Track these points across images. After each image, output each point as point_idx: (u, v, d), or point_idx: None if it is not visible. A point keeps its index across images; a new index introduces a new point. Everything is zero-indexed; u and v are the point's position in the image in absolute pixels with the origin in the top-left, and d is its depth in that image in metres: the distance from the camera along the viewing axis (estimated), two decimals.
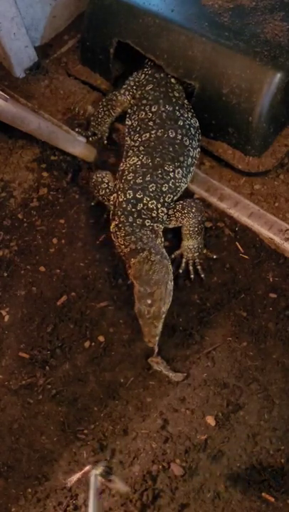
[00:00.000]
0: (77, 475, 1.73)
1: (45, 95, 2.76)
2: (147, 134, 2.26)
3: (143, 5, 2.40)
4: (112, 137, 2.62)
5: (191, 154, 2.26)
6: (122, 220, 2.09)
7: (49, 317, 2.17)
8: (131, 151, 2.28)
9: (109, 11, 2.50)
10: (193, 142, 2.28)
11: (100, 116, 2.56)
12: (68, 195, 2.50)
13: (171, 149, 2.21)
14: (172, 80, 2.39)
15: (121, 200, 2.14)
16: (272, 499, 1.76)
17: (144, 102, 2.35)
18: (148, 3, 2.41)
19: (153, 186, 2.14)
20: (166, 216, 2.17)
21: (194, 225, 2.16)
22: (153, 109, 2.30)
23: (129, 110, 2.44)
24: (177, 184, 2.20)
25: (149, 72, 2.44)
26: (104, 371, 2.05)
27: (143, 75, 2.46)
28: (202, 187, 2.40)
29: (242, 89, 2.21)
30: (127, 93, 2.48)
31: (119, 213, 2.11)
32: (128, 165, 2.23)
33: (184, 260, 2.21)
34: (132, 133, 2.35)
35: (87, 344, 2.11)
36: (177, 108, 2.29)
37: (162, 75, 2.40)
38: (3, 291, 2.26)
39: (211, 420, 1.91)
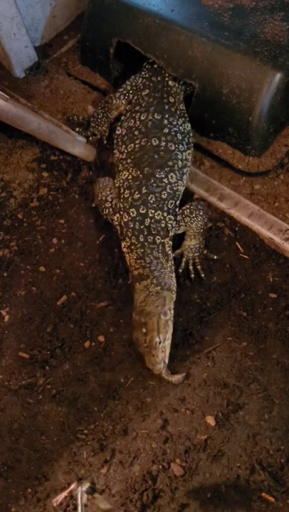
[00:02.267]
0: (63, 494, 1.74)
1: (45, 95, 2.76)
2: (132, 145, 2.25)
3: (143, 5, 2.40)
4: (112, 137, 2.62)
5: (179, 157, 2.23)
6: (133, 241, 2.08)
7: (49, 317, 2.17)
8: (120, 165, 2.27)
9: (109, 11, 2.50)
10: (181, 146, 2.25)
11: (98, 117, 2.56)
12: (68, 195, 2.50)
13: (156, 156, 2.18)
14: (170, 83, 2.38)
15: (126, 220, 2.12)
16: (272, 499, 1.76)
17: (137, 108, 2.34)
18: (148, 3, 2.41)
19: (152, 197, 2.11)
20: (175, 223, 2.15)
21: (201, 226, 2.17)
22: (142, 118, 2.29)
23: (122, 117, 2.42)
24: (175, 188, 2.18)
25: (147, 75, 2.43)
26: (104, 371, 2.05)
27: (140, 79, 2.44)
28: (202, 187, 2.40)
29: (242, 89, 2.21)
30: (122, 97, 2.48)
31: (130, 234, 2.09)
32: (121, 181, 2.22)
33: (184, 260, 2.22)
34: (119, 143, 2.34)
35: (87, 344, 2.11)
36: (167, 116, 2.27)
37: (159, 78, 2.39)
38: (3, 291, 2.26)
39: (211, 420, 1.91)
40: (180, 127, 2.29)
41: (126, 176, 2.20)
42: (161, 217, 2.11)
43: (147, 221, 2.09)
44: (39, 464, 1.89)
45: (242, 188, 2.39)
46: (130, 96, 2.46)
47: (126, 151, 2.26)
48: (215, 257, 2.23)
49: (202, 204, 2.20)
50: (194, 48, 2.27)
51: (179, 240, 2.25)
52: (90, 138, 2.60)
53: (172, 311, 1.99)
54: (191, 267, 2.19)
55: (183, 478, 1.82)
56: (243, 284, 2.18)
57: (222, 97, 2.27)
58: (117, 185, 2.25)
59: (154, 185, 2.14)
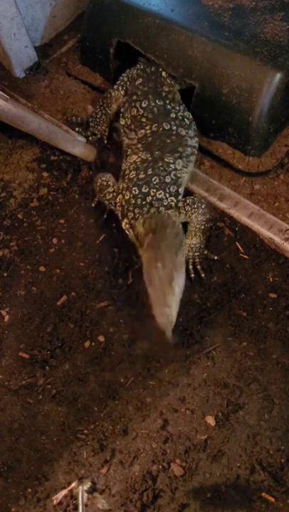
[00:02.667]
0: (64, 491, 1.73)
1: (45, 95, 2.76)
2: (142, 131, 2.29)
3: (143, 5, 2.41)
4: (112, 137, 2.62)
5: (189, 144, 2.27)
6: (136, 212, 2.10)
7: (49, 317, 2.17)
8: (130, 150, 2.30)
9: (109, 11, 2.50)
10: (190, 131, 2.29)
11: (97, 116, 2.57)
12: (68, 195, 2.50)
13: (168, 141, 2.23)
14: (163, 74, 2.41)
15: (128, 197, 2.14)
16: (272, 499, 1.76)
17: (134, 97, 2.37)
18: (148, 3, 2.41)
19: (156, 179, 2.14)
20: (175, 206, 2.15)
21: (202, 222, 2.16)
22: (143, 105, 2.32)
23: (122, 109, 2.45)
24: (178, 175, 2.20)
25: (142, 67, 2.47)
26: (104, 371, 2.05)
27: (135, 70, 2.48)
28: (202, 187, 2.40)
29: (242, 89, 2.21)
30: (120, 88, 2.50)
31: (131, 208, 2.12)
32: (128, 163, 2.24)
33: (184, 259, 2.21)
34: (127, 131, 2.37)
35: (87, 344, 2.11)
36: (168, 102, 2.32)
37: (153, 69, 2.42)
38: (3, 291, 2.26)
39: (211, 420, 1.91)
40: (184, 113, 2.33)
41: (134, 159, 2.23)
42: (163, 197, 2.12)
43: (148, 198, 2.11)
44: (39, 464, 1.89)
45: (242, 188, 2.39)
46: (127, 86, 2.48)
47: (136, 137, 2.30)
48: (215, 258, 2.23)
49: (205, 201, 2.20)
50: (194, 47, 2.28)
51: None
52: (90, 138, 2.60)
53: (184, 259, 2.02)
54: (191, 267, 2.19)
55: (183, 478, 1.82)
56: (243, 284, 2.18)
57: (222, 97, 2.27)
58: (123, 167, 2.27)
59: (161, 168, 2.16)
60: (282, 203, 2.33)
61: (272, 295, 2.15)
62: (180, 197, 2.20)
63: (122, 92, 2.50)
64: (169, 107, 2.31)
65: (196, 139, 2.34)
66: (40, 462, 1.90)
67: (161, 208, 2.09)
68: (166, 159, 2.19)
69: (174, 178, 2.18)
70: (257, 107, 2.21)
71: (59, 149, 2.55)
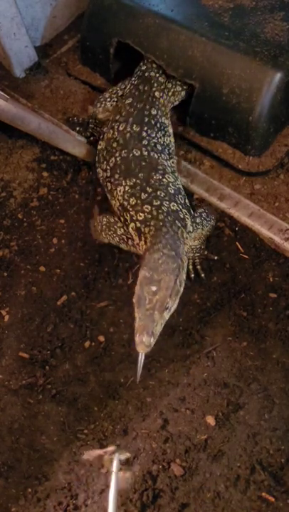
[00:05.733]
0: (98, 451, 1.62)
1: (45, 95, 2.77)
2: (113, 159, 2.17)
3: (143, 5, 2.41)
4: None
5: (164, 163, 2.16)
6: (152, 224, 1.94)
7: (49, 317, 2.17)
8: (109, 184, 2.17)
9: (109, 11, 2.50)
10: (163, 155, 2.19)
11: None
12: (68, 195, 2.50)
13: (144, 163, 2.11)
14: (156, 94, 2.33)
15: (142, 218, 1.98)
16: (272, 499, 1.76)
17: (118, 117, 2.29)
18: (148, 3, 2.41)
19: (161, 192, 2.03)
20: (191, 222, 2.06)
21: (210, 230, 2.19)
22: (120, 128, 2.23)
23: (105, 128, 2.36)
24: (177, 187, 2.13)
25: (136, 82, 2.39)
26: (104, 371, 2.05)
27: (129, 85, 2.41)
28: (202, 187, 2.40)
29: (242, 89, 2.21)
30: (98, 105, 2.48)
31: (149, 223, 1.96)
32: (120, 197, 2.10)
33: None
34: (100, 159, 2.27)
35: (87, 344, 2.11)
36: (145, 129, 2.21)
37: (146, 87, 2.34)
38: (3, 291, 2.26)
39: (211, 420, 1.91)
40: (159, 139, 2.22)
41: (122, 190, 2.09)
42: (178, 208, 2.02)
43: (163, 208, 1.99)
44: (39, 464, 1.89)
45: (242, 187, 2.39)
46: (113, 103, 2.44)
47: (108, 167, 2.19)
48: (215, 258, 2.23)
49: (211, 211, 2.22)
50: (194, 47, 2.27)
51: None
52: (91, 138, 2.60)
53: (182, 288, 1.83)
54: (191, 267, 2.19)
55: (183, 478, 1.82)
56: (243, 284, 2.18)
57: (222, 97, 2.27)
58: (116, 204, 2.12)
59: (157, 184, 2.06)
60: (283, 202, 2.33)
61: (273, 295, 2.15)
62: (190, 209, 2.11)
63: (101, 109, 2.47)
64: (144, 134, 2.19)
65: (173, 160, 2.26)
66: (40, 462, 1.90)
67: (177, 221, 1.97)
68: (154, 177, 2.08)
69: (175, 188, 2.10)
70: (257, 107, 2.21)
71: (59, 149, 2.55)
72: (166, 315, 1.73)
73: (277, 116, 2.31)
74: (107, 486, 1.81)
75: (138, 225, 2.00)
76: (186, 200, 2.14)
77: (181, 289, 1.82)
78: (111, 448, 1.56)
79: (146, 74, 2.40)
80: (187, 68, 2.32)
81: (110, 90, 2.50)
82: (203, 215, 2.15)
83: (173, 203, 2.02)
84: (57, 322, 2.16)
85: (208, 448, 1.86)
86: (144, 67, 2.42)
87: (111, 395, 1.99)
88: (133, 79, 2.43)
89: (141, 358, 1.70)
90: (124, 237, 2.12)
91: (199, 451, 1.86)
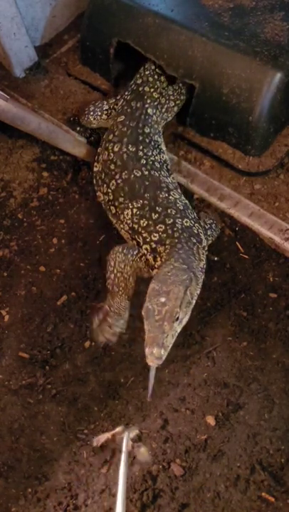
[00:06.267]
0: (107, 434, 1.59)
1: (45, 95, 2.76)
2: (113, 181, 2.12)
3: (143, 5, 2.40)
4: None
5: (166, 180, 2.14)
6: (167, 243, 1.91)
7: (49, 317, 2.17)
8: (113, 208, 2.12)
9: (109, 11, 2.50)
10: (162, 172, 2.16)
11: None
12: (68, 195, 2.50)
13: (147, 183, 2.08)
14: (149, 111, 2.30)
15: (156, 238, 1.94)
16: (272, 499, 1.76)
17: (111, 137, 2.24)
18: (148, 3, 2.41)
19: (171, 210, 1.99)
20: (203, 235, 2.04)
21: (216, 236, 2.20)
22: (115, 149, 2.17)
23: (99, 149, 2.30)
24: (184, 202, 2.09)
25: (128, 98, 2.36)
26: (104, 371, 2.05)
27: (122, 100, 2.37)
28: (202, 187, 2.40)
29: (242, 89, 2.21)
30: (89, 117, 2.48)
31: (164, 242, 1.92)
32: (128, 221, 2.05)
33: None
34: (99, 183, 2.22)
35: (87, 344, 2.11)
36: (141, 148, 2.17)
37: (139, 104, 2.30)
38: (3, 291, 2.26)
39: (211, 420, 1.91)
40: (156, 157, 2.19)
41: (130, 213, 2.04)
42: (191, 224, 1.99)
43: (177, 225, 1.96)
44: (39, 464, 1.90)
45: (242, 187, 2.39)
46: (102, 117, 2.45)
47: (110, 190, 2.13)
48: (215, 259, 2.23)
49: (216, 220, 2.23)
50: (194, 47, 2.27)
51: None
52: (91, 138, 2.60)
53: (194, 301, 1.78)
54: None
55: (183, 478, 1.82)
56: (243, 284, 2.18)
57: (222, 97, 2.27)
58: (125, 228, 2.07)
59: (165, 202, 2.02)
60: (283, 202, 2.33)
61: (273, 295, 2.15)
62: (200, 221, 2.09)
63: (93, 119, 2.48)
64: (140, 153, 2.15)
65: (173, 175, 2.24)
66: (40, 462, 1.90)
67: (192, 238, 1.93)
68: (161, 195, 2.04)
69: (183, 204, 2.06)
70: (257, 107, 2.21)
71: (59, 149, 2.55)
72: (178, 326, 1.67)
73: (277, 116, 2.31)
74: (107, 486, 1.82)
75: (153, 245, 1.95)
76: (195, 214, 2.11)
77: (193, 301, 1.77)
78: (119, 428, 1.52)
79: (140, 88, 2.35)
80: (187, 68, 2.32)
81: (99, 104, 2.47)
82: (213, 226, 2.15)
83: (186, 219, 1.99)
84: (57, 322, 2.16)
85: (208, 448, 1.86)
86: (139, 81, 2.38)
87: (111, 395, 1.99)
88: (126, 93, 2.39)
89: (152, 373, 1.61)
90: (142, 263, 2.00)
91: (199, 451, 1.86)
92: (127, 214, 2.06)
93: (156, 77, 2.39)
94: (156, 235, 1.96)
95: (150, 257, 1.96)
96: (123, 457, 1.48)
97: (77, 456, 1.89)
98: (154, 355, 1.58)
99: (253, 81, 2.18)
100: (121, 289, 2.00)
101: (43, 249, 2.35)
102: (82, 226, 2.40)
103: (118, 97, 2.45)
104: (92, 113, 2.48)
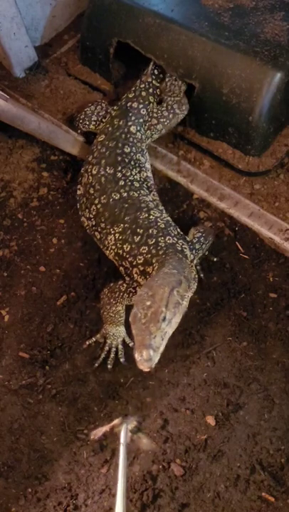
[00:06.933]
0: (105, 427, 1.55)
1: (45, 95, 2.76)
2: (94, 207, 2.10)
3: (143, 5, 2.40)
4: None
5: (146, 199, 2.11)
6: (154, 261, 1.88)
7: (49, 317, 2.17)
8: (97, 233, 2.11)
9: (109, 11, 2.50)
10: (142, 191, 2.13)
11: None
12: (68, 195, 2.50)
13: (126, 205, 2.05)
14: (132, 129, 2.27)
15: (141, 261, 1.93)
16: (272, 499, 1.76)
17: (90, 158, 2.22)
18: (148, 3, 2.41)
19: (152, 230, 1.97)
20: (190, 250, 2.01)
21: (206, 248, 2.14)
22: (94, 172, 2.15)
23: (82, 170, 2.26)
24: (165, 220, 2.05)
25: (113, 114, 2.35)
26: (105, 371, 2.05)
27: (108, 116, 2.36)
28: (202, 187, 2.40)
29: (242, 89, 2.21)
30: (80, 126, 2.49)
31: (150, 260, 1.90)
32: (112, 247, 2.04)
33: None
34: (82, 207, 2.19)
35: (86, 344, 2.10)
36: (120, 169, 2.14)
37: (122, 122, 2.28)
38: (3, 291, 2.26)
39: (211, 420, 1.91)
40: (135, 176, 2.16)
41: (113, 238, 2.03)
42: (174, 241, 1.95)
43: (161, 244, 1.93)
44: (39, 464, 1.90)
45: (242, 187, 2.39)
46: (89, 127, 2.45)
47: (91, 215, 2.12)
48: (215, 259, 2.23)
49: (208, 231, 2.15)
50: (194, 47, 2.27)
51: None
52: (91, 137, 2.59)
53: (186, 302, 1.75)
54: None
55: (183, 478, 1.82)
56: (243, 284, 2.18)
57: (222, 97, 2.27)
58: (111, 254, 2.06)
59: (146, 222, 1.99)
60: (282, 202, 2.33)
61: (273, 295, 2.15)
62: (186, 238, 2.05)
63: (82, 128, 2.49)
64: (119, 174, 2.12)
65: (154, 192, 2.20)
66: (40, 462, 1.90)
67: (178, 254, 1.89)
68: (141, 216, 2.01)
69: (164, 221, 2.02)
70: (257, 107, 2.21)
71: (59, 149, 2.55)
72: (166, 327, 1.63)
73: (277, 116, 2.31)
74: (107, 486, 1.82)
75: (141, 268, 1.94)
76: (178, 230, 2.06)
77: (183, 303, 1.74)
78: (117, 421, 1.49)
79: (128, 104, 2.34)
80: (187, 68, 2.32)
81: (88, 112, 2.46)
82: (202, 239, 2.08)
83: (168, 237, 1.95)
84: (57, 322, 2.16)
85: (208, 448, 1.86)
86: (131, 95, 2.38)
87: (111, 395, 1.99)
88: (115, 107, 2.39)
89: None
90: (131, 293, 1.97)
91: (199, 451, 1.86)
92: (111, 240, 2.04)
93: (150, 90, 2.38)
94: (141, 257, 1.94)
95: (141, 279, 1.94)
96: (122, 449, 1.45)
97: (77, 456, 1.89)
98: (144, 357, 1.54)
99: (253, 81, 2.18)
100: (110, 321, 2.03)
101: (43, 249, 2.35)
102: (82, 226, 2.40)
103: (108, 109, 2.42)
104: (81, 121, 2.49)
